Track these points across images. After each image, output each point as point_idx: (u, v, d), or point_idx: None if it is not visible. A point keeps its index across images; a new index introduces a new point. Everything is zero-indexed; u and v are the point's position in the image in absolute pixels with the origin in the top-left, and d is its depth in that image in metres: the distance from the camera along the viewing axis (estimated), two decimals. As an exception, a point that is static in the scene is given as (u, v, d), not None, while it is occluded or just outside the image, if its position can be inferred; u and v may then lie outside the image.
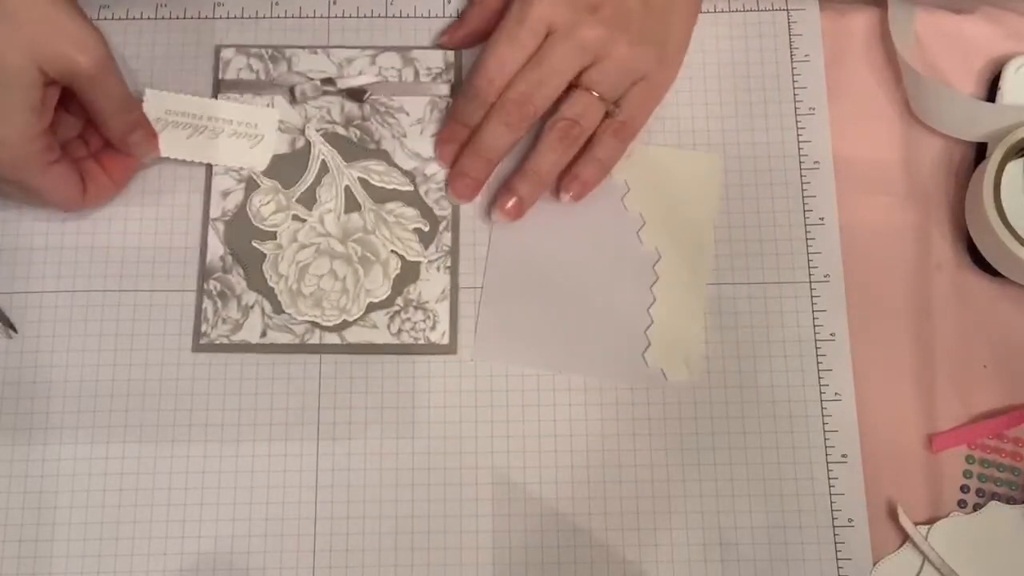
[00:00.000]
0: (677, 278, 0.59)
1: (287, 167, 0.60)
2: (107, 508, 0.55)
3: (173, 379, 0.57)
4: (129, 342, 0.58)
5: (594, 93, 0.57)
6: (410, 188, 0.60)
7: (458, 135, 0.60)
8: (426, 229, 0.59)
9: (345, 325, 0.58)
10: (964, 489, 0.56)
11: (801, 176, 0.61)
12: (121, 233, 0.59)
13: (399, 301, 0.58)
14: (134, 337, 0.58)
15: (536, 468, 0.56)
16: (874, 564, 0.55)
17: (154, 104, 0.59)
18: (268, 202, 0.60)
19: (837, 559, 0.55)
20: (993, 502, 0.55)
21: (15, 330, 0.58)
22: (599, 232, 0.60)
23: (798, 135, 0.62)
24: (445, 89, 0.62)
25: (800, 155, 0.61)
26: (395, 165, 0.60)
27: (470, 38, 0.62)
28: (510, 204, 0.58)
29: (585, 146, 0.59)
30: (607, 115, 0.58)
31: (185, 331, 0.58)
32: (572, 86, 0.57)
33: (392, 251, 0.59)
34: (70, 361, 0.57)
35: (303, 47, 0.62)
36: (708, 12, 0.64)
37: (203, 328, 0.58)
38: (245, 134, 0.60)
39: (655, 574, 0.55)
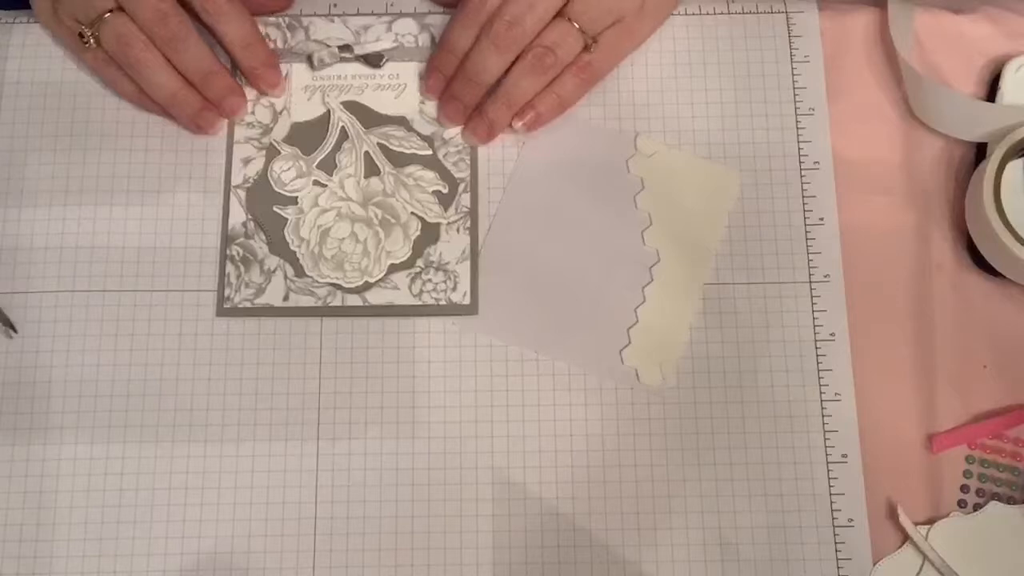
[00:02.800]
0: (671, 284, 0.59)
1: (307, 134, 0.61)
2: (107, 508, 0.55)
3: (173, 379, 0.57)
4: (129, 342, 0.58)
5: (575, 25, 0.57)
6: (428, 152, 0.61)
7: (447, 64, 0.60)
8: (445, 191, 0.60)
9: (367, 287, 0.58)
10: (964, 489, 0.56)
11: (801, 176, 0.61)
12: (121, 233, 0.59)
13: (420, 263, 0.59)
14: (134, 337, 0.58)
15: (536, 468, 0.56)
16: (874, 564, 0.55)
17: (298, 74, 0.61)
18: (289, 168, 0.60)
19: (837, 559, 0.55)
20: (993, 502, 0.55)
21: (15, 330, 0.58)
22: (605, 223, 0.60)
23: (798, 135, 0.62)
24: None
25: (800, 155, 0.61)
26: (413, 130, 0.61)
27: None
28: (481, 127, 0.60)
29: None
30: (585, 49, 0.58)
31: (186, 331, 0.58)
32: (555, 16, 0.58)
33: (412, 213, 0.59)
34: (70, 361, 0.57)
35: (320, 15, 0.63)
36: (708, 14, 0.64)
37: (227, 292, 0.58)
38: (388, 85, 0.61)
39: (655, 574, 0.55)
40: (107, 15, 0.57)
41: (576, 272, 0.59)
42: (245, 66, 0.60)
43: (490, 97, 0.59)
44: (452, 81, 0.60)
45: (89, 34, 0.58)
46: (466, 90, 0.60)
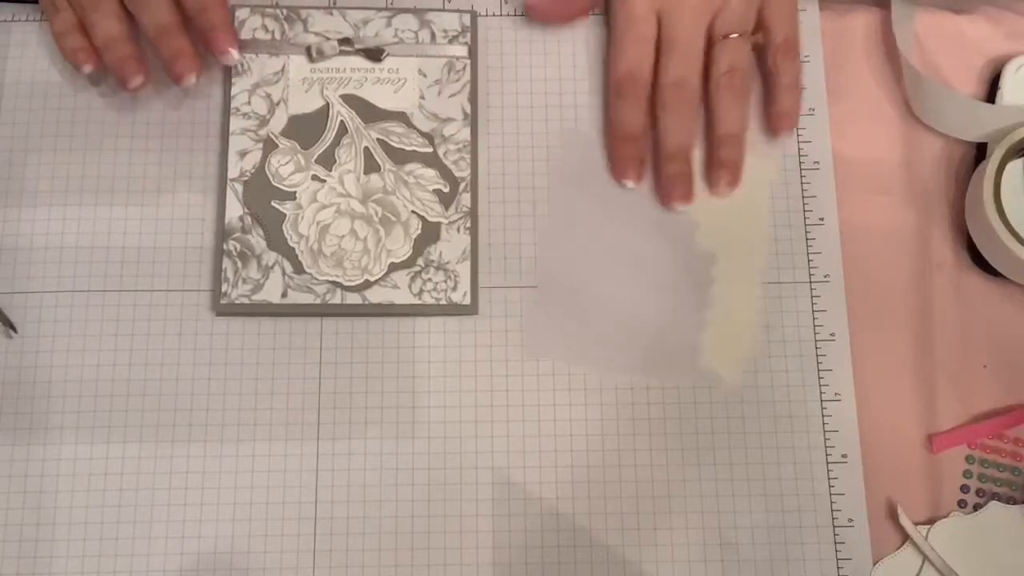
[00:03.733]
0: (732, 280, 0.59)
1: (305, 128, 0.61)
2: (107, 508, 0.55)
3: (173, 379, 0.57)
4: (129, 342, 0.58)
5: (732, 36, 0.58)
6: (429, 150, 0.60)
7: (631, 149, 0.59)
8: (446, 190, 0.60)
9: (367, 285, 0.58)
10: (964, 489, 0.56)
11: (801, 176, 0.61)
12: (121, 233, 0.59)
13: (420, 261, 0.59)
14: (134, 337, 0.58)
15: (536, 468, 0.56)
16: (874, 564, 0.55)
17: (297, 66, 0.61)
18: (287, 162, 0.60)
19: (837, 559, 0.55)
20: (993, 502, 0.55)
21: (15, 330, 0.58)
22: (654, 234, 0.59)
23: (798, 135, 0.62)
24: (462, 51, 0.62)
25: (800, 155, 0.61)
26: (413, 127, 0.61)
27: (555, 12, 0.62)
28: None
29: (766, 89, 0.61)
30: (755, 37, 0.59)
31: (186, 330, 0.58)
32: (709, 44, 0.58)
33: (413, 212, 0.59)
34: (70, 361, 0.57)
35: (318, 8, 0.63)
36: (708, 12, 0.64)
37: (223, 288, 0.58)
38: (387, 80, 0.61)
39: (655, 574, 0.55)
40: None
41: (635, 289, 0.58)
42: (199, 28, 0.58)
43: (715, 143, 0.59)
44: (664, 170, 0.59)
45: None
46: (679, 168, 0.59)
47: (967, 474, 0.56)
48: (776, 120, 0.60)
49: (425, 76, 0.62)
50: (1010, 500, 0.56)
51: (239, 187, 0.59)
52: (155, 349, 0.58)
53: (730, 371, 0.57)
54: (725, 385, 0.57)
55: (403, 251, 0.59)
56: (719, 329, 0.58)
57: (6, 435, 0.56)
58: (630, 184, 0.60)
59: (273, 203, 0.59)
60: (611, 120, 0.60)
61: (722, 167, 0.59)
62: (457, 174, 0.60)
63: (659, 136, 0.59)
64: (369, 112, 0.61)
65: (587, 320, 0.58)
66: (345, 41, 0.62)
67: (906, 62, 0.61)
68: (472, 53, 0.62)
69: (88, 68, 0.59)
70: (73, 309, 0.58)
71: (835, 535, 0.55)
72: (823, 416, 0.57)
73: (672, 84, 0.58)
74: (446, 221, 0.59)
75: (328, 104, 0.61)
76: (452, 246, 0.59)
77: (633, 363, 0.57)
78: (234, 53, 0.59)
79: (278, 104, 0.61)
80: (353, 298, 0.58)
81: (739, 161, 0.60)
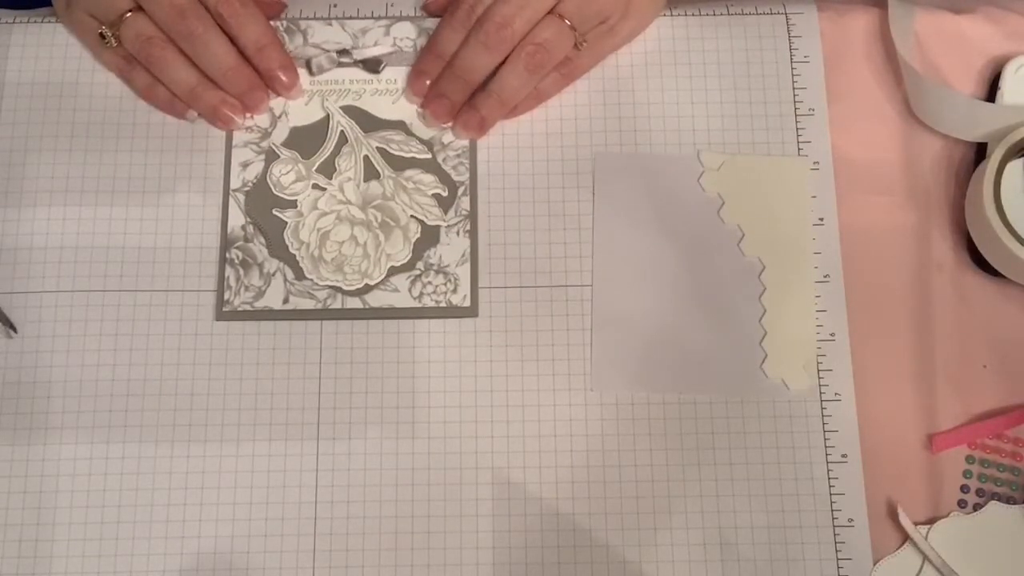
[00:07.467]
0: (783, 285, 0.58)
1: (306, 138, 0.61)
2: (107, 508, 0.55)
3: (173, 379, 0.57)
4: (129, 342, 0.58)
5: (566, 22, 0.58)
6: (428, 156, 0.61)
7: (433, 67, 0.61)
8: (445, 194, 0.60)
9: (367, 289, 0.58)
10: (964, 489, 0.56)
11: (801, 176, 0.61)
12: (121, 233, 0.59)
13: (420, 265, 0.59)
14: (134, 337, 0.58)
15: (536, 468, 0.56)
16: (874, 564, 0.55)
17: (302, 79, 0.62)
18: (288, 172, 0.60)
19: (837, 559, 0.55)
20: (993, 502, 0.55)
21: (15, 330, 0.58)
22: (700, 249, 0.59)
23: (798, 135, 0.62)
24: None
25: (800, 155, 0.61)
26: (413, 134, 0.61)
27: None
28: (473, 121, 0.60)
29: None
30: (574, 48, 0.59)
31: (186, 331, 0.58)
32: (546, 14, 0.58)
33: (412, 216, 0.60)
34: (70, 361, 0.57)
35: (318, 18, 0.63)
36: (708, 15, 0.64)
37: (226, 296, 0.58)
38: (386, 91, 0.62)
39: (655, 574, 0.55)
40: (127, 15, 0.58)
41: (689, 307, 0.58)
42: (261, 69, 0.60)
43: (482, 93, 0.60)
44: (439, 79, 0.60)
45: (110, 34, 0.59)
46: (454, 88, 0.60)
47: (967, 474, 0.56)
48: (469, 110, 0.60)
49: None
50: (1010, 500, 0.56)
51: (241, 197, 0.60)
52: (155, 349, 0.58)
53: (793, 376, 0.57)
54: (792, 392, 0.57)
55: (402, 255, 0.59)
56: (778, 336, 0.58)
57: (6, 435, 0.56)
58: (416, 99, 0.61)
59: (274, 211, 0.60)
60: (435, 40, 0.61)
61: (473, 113, 0.60)
62: (456, 178, 0.60)
63: (458, 55, 0.59)
64: (369, 122, 0.61)
65: (650, 348, 0.58)
66: (344, 53, 0.62)
67: (904, 62, 0.61)
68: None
69: (193, 115, 0.61)
70: (73, 309, 0.58)
71: (835, 535, 0.55)
72: (823, 416, 0.57)
73: (498, 19, 0.57)
74: (445, 224, 0.60)
75: (328, 115, 0.61)
76: (452, 249, 0.59)
77: (701, 383, 0.57)
78: (299, 87, 0.61)
79: (280, 117, 0.61)
80: (353, 302, 0.58)
81: (490, 121, 0.60)
